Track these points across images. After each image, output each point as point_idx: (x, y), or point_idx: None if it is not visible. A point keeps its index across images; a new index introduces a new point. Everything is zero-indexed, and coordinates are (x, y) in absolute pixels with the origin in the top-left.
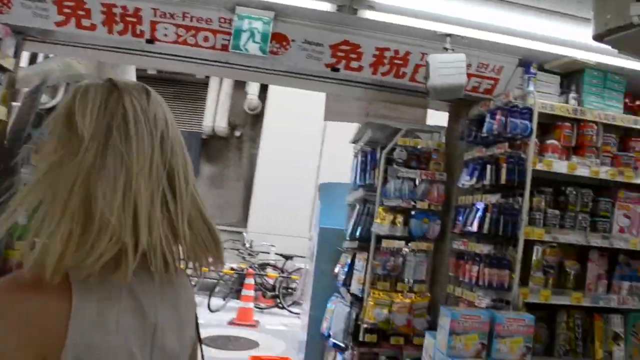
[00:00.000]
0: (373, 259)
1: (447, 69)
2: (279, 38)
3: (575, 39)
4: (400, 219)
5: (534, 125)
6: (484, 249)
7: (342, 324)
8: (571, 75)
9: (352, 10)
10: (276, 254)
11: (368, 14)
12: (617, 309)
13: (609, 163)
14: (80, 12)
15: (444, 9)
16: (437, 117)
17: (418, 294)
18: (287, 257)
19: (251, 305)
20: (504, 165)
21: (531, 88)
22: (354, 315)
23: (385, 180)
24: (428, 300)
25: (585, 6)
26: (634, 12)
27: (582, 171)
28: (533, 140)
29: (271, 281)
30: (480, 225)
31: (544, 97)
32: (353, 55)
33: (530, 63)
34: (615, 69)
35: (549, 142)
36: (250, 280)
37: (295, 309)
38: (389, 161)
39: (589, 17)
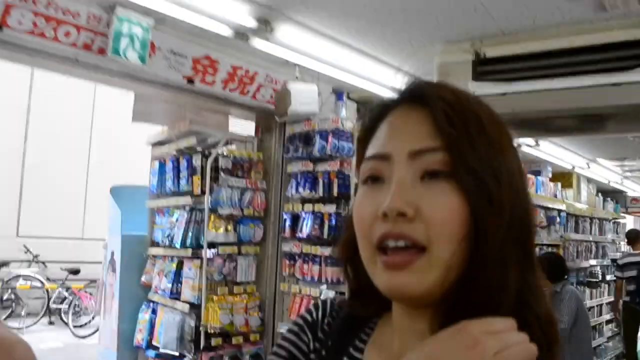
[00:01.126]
0: (207, 266)
1: (305, 97)
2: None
3: (371, 75)
4: (231, 225)
5: (355, 147)
6: (324, 251)
7: (174, 332)
8: (365, 104)
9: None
10: None
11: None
12: None
13: None
14: None
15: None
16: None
17: (250, 294)
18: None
19: None
20: (335, 180)
21: (344, 114)
22: (192, 323)
23: (211, 189)
24: (259, 299)
25: (387, 51)
26: None
27: None
28: (355, 159)
29: None
30: (320, 231)
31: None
32: (210, 70)
33: (342, 92)
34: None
35: None
36: None
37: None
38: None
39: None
